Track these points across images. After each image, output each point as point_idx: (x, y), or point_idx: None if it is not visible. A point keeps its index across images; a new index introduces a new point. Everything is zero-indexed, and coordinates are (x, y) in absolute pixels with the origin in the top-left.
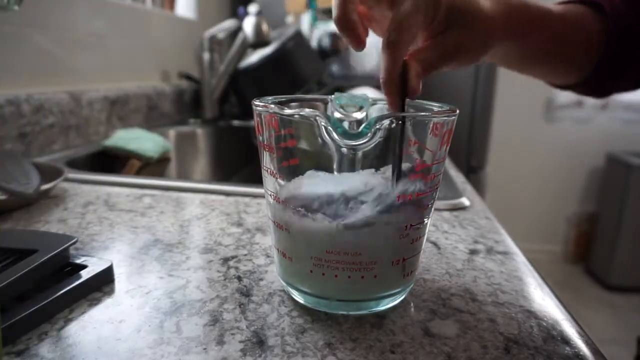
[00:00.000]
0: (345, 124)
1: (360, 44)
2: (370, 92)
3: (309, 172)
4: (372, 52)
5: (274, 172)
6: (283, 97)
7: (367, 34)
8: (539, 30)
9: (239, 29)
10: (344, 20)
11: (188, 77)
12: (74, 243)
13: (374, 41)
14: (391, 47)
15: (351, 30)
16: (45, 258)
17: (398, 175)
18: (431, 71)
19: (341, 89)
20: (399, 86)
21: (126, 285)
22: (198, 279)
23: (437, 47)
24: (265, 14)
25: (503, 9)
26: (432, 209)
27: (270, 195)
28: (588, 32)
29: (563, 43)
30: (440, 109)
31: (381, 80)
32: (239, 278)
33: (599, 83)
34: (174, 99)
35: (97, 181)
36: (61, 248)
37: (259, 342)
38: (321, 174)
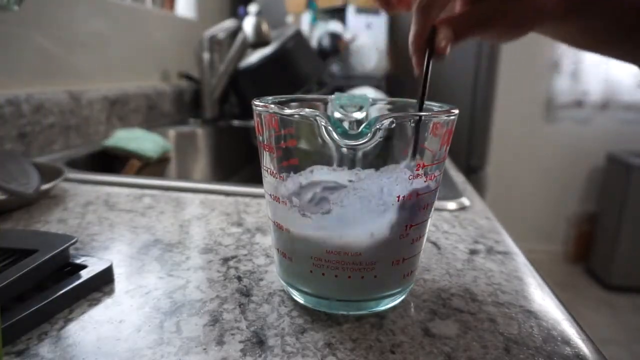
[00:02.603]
0: (345, 124)
1: (390, 8)
2: (370, 92)
3: (310, 168)
4: (372, 53)
5: (274, 172)
6: (283, 97)
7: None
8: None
9: (239, 29)
10: None
11: (188, 77)
12: (74, 243)
13: (374, 41)
14: (422, 10)
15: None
16: (45, 258)
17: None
18: (464, 38)
19: (341, 89)
20: (424, 50)
21: (126, 285)
22: (198, 279)
23: (471, 15)
24: (265, 14)
25: None
26: (432, 209)
27: (270, 195)
28: None
29: None
30: (440, 109)
31: (409, 41)
32: (239, 278)
33: None
34: (174, 99)
35: (97, 181)
36: (61, 248)
37: (259, 342)
38: (323, 170)
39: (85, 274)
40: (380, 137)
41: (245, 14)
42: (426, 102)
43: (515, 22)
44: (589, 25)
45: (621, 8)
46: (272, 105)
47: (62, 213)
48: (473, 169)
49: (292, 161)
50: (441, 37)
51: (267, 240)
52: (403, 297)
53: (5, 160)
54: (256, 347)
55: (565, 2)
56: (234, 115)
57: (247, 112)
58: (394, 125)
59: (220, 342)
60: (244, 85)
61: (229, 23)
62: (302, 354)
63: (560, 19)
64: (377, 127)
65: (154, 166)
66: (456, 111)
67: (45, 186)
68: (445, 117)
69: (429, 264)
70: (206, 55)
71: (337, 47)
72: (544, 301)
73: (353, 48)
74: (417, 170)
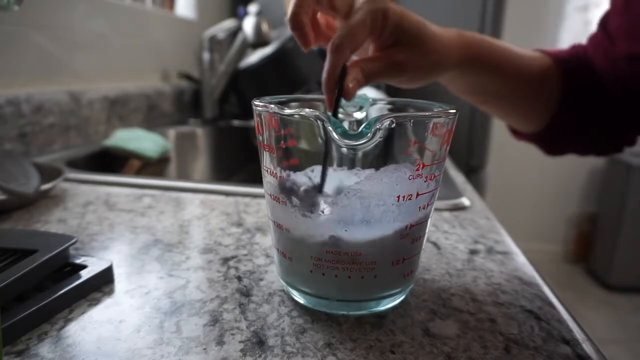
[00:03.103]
0: (345, 124)
1: (306, 44)
2: (370, 92)
3: (310, 168)
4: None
5: (274, 172)
6: (283, 97)
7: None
8: (497, 65)
9: (239, 29)
10: (294, 21)
11: (188, 77)
12: (74, 243)
13: None
14: (334, 50)
15: (299, 31)
16: (45, 258)
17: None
18: (372, 80)
19: None
20: (333, 88)
21: (126, 285)
22: (198, 279)
23: (381, 60)
24: (265, 14)
25: (457, 36)
26: (432, 209)
27: (270, 195)
28: (551, 83)
29: (523, 86)
30: (440, 109)
31: (322, 80)
32: (239, 278)
33: (552, 137)
34: (174, 99)
35: (97, 181)
36: (61, 248)
37: (259, 342)
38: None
39: (85, 274)
40: (380, 137)
41: (245, 14)
42: (426, 102)
43: (419, 72)
44: (478, 81)
45: (501, 71)
46: (272, 105)
47: (62, 213)
48: (473, 169)
49: (292, 161)
50: (350, 79)
51: (267, 240)
52: (403, 297)
53: (5, 160)
54: (256, 347)
55: (460, 58)
56: (234, 115)
57: (247, 112)
58: (394, 125)
59: (220, 342)
60: (244, 85)
61: (229, 23)
62: (302, 354)
63: (457, 72)
64: (377, 127)
65: (154, 166)
66: (456, 111)
67: (45, 186)
68: (445, 117)
69: (429, 264)
70: (206, 55)
71: None
72: (543, 301)
73: None
74: (417, 170)
